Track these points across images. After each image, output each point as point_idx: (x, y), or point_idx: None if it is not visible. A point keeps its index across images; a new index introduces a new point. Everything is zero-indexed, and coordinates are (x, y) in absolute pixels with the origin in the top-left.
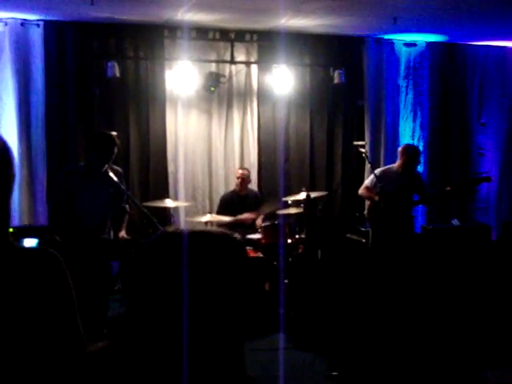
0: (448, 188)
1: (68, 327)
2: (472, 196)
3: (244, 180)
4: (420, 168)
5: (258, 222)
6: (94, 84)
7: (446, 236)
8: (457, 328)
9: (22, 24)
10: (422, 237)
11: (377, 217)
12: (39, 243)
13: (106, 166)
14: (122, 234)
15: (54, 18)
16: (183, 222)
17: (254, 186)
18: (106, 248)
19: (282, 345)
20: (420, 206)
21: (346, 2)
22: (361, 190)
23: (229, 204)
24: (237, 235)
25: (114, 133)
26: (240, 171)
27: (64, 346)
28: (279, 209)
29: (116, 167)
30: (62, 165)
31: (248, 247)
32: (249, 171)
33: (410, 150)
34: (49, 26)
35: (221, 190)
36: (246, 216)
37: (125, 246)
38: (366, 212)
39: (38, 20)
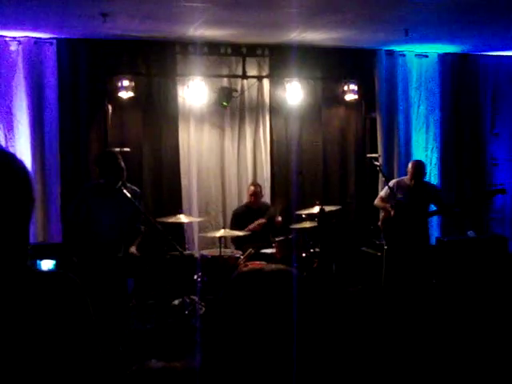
0: (458, 209)
1: (87, 353)
2: (487, 207)
3: (257, 195)
4: (434, 179)
5: (278, 218)
6: (107, 101)
7: (462, 248)
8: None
9: (35, 42)
10: (437, 249)
11: (391, 228)
12: (56, 265)
13: (120, 183)
14: (132, 249)
15: (67, 36)
16: (197, 237)
17: (266, 199)
18: (122, 265)
19: None
20: (435, 217)
21: (357, 15)
22: (376, 201)
23: (242, 218)
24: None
25: (127, 149)
26: (252, 188)
27: (83, 371)
28: (283, 204)
29: (134, 187)
30: (76, 182)
31: (261, 262)
32: (260, 186)
33: (413, 163)
34: (62, 44)
35: (234, 205)
36: (255, 223)
37: (140, 263)
38: (379, 223)
39: (51, 38)
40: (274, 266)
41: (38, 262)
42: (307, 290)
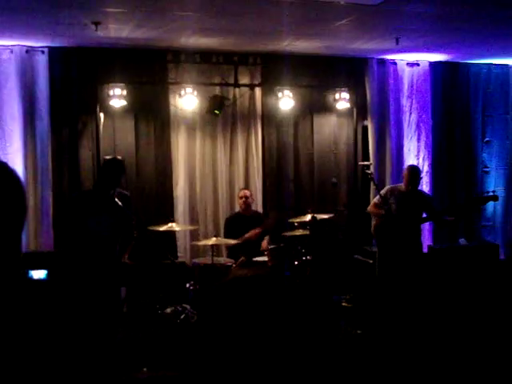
0: (451, 218)
1: (78, 359)
2: (478, 214)
3: (247, 199)
4: (425, 187)
5: (264, 244)
6: (99, 109)
7: (454, 256)
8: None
9: (27, 51)
10: (429, 257)
11: (383, 235)
12: (48, 274)
13: (112, 191)
14: (125, 258)
15: (59, 45)
16: (189, 246)
17: (259, 208)
18: (116, 273)
19: None
20: (427, 224)
21: (349, 24)
22: (369, 207)
23: (234, 225)
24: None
25: (119, 157)
26: (242, 191)
27: (74, 377)
28: (280, 217)
29: (124, 191)
30: (68, 190)
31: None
32: (250, 191)
33: (409, 169)
34: (53, 53)
35: (225, 213)
36: (250, 233)
37: (132, 271)
38: (372, 230)
39: (42, 47)
40: (256, 272)
41: (29, 271)
42: (288, 294)
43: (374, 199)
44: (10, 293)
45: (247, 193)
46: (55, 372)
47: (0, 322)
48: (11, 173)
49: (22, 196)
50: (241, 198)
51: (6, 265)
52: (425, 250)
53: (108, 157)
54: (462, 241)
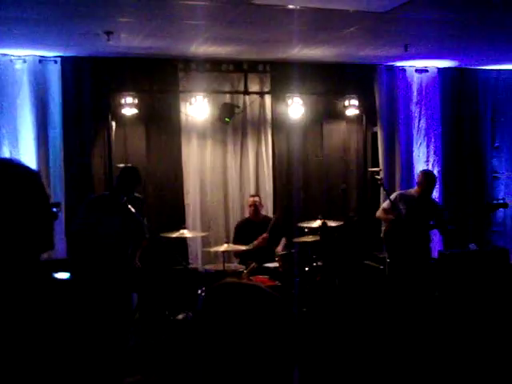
0: (452, 227)
1: (90, 362)
2: (488, 220)
3: (256, 206)
4: (435, 193)
5: (279, 249)
6: (111, 117)
7: (464, 261)
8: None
9: (39, 61)
10: (439, 262)
11: (393, 241)
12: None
13: (125, 198)
14: (135, 261)
15: (71, 54)
16: (200, 252)
17: (269, 214)
18: (127, 278)
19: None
20: (436, 230)
21: (357, 31)
22: (378, 212)
23: (243, 231)
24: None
25: (131, 165)
26: (251, 198)
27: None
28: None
29: (137, 194)
30: (81, 198)
31: (264, 276)
32: (259, 197)
33: (427, 175)
34: (66, 62)
35: (236, 219)
36: (259, 239)
37: (144, 277)
38: (382, 236)
39: (55, 56)
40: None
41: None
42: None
43: (384, 204)
44: (36, 293)
45: (256, 200)
46: (59, 372)
47: (30, 322)
48: (30, 169)
49: (46, 193)
50: (250, 205)
51: (33, 265)
52: (435, 255)
53: (128, 165)
54: (472, 246)
